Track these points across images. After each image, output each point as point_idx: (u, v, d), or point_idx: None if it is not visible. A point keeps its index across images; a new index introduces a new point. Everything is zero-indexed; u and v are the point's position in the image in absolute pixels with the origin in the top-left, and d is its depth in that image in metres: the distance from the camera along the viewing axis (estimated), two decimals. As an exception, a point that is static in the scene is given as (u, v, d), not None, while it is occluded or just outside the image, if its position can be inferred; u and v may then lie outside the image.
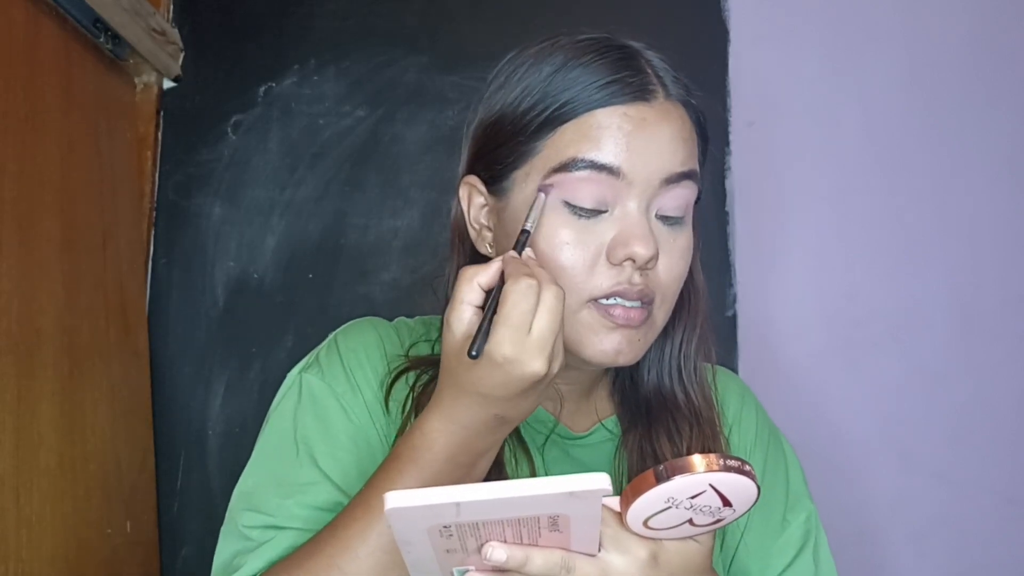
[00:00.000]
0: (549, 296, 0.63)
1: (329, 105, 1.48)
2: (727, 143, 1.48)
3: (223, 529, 0.77)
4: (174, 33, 1.46)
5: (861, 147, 1.50)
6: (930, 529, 1.43)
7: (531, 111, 0.75)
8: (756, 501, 0.58)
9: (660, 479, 0.55)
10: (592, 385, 0.86)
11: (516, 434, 0.80)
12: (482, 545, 0.56)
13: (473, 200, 0.80)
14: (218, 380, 1.41)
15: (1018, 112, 1.51)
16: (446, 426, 0.67)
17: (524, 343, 0.62)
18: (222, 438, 1.39)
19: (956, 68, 1.51)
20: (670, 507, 0.57)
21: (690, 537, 0.62)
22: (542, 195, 0.73)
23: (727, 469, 0.56)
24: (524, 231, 0.71)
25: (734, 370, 1.41)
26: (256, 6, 1.51)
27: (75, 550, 1.10)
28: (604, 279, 0.72)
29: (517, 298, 0.62)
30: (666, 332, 0.82)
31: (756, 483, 0.57)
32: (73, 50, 1.23)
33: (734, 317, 1.44)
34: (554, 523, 0.54)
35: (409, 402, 0.79)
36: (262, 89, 1.48)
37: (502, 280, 0.65)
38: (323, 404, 0.78)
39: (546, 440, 0.82)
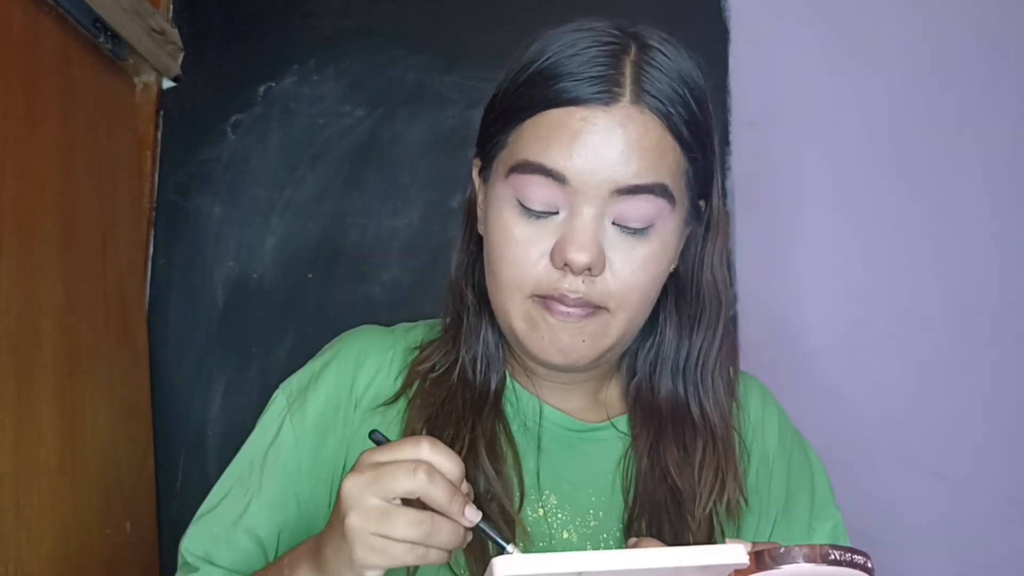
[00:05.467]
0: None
1: (329, 105, 1.48)
2: (727, 143, 1.48)
3: (200, 517, 0.83)
4: (174, 33, 1.46)
5: (861, 147, 1.50)
6: (930, 529, 1.43)
7: (506, 100, 0.74)
8: None
9: None
10: (602, 380, 0.85)
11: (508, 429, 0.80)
12: None
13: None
14: (218, 380, 1.41)
15: (1018, 112, 1.50)
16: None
17: None
18: (222, 438, 1.39)
19: (956, 68, 1.51)
20: None
21: None
22: None
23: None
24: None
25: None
26: (256, 6, 1.51)
27: (75, 550, 1.10)
28: (545, 280, 0.71)
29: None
30: (685, 339, 0.80)
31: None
32: (73, 50, 1.23)
33: (734, 317, 1.44)
34: None
35: (416, 394, 0.81)
36: (262, 89, 1.48)
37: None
38: (274, 431, 0.83)
39: (540, 430, 0.81)
